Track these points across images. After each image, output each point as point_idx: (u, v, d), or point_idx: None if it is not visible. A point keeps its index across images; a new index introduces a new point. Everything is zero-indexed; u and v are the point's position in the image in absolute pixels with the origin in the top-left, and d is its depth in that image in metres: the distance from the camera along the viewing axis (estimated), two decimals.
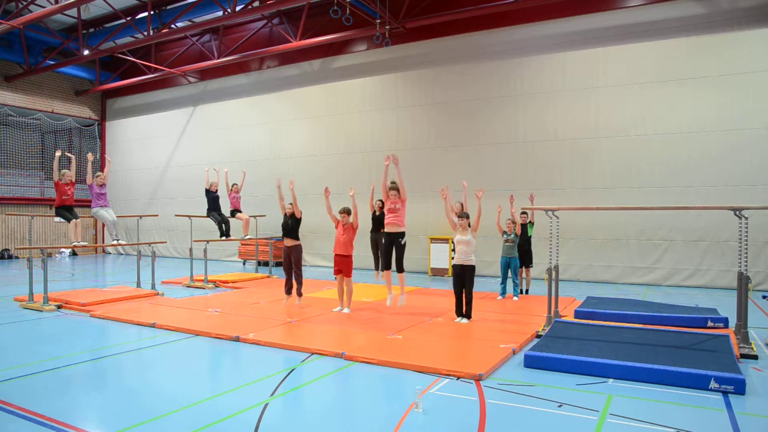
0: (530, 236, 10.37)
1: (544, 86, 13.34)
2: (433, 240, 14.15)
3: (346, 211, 8.56)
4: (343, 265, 8.52)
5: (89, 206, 10.23)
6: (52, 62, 18.96)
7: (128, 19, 16.36)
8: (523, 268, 10.38)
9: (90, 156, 9.91)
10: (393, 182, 8.23)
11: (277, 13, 16.66)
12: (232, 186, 12.51)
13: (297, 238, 9.17)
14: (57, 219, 20.41)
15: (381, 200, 11.03)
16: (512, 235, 9.75)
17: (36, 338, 7.26)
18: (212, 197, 12.14)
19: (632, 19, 12.39)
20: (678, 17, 11.93)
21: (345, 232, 8.55)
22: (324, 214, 16.25)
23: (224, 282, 12.39)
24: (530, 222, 10.39)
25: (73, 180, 9.73)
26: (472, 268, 7.64)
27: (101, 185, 9.88)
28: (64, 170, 9.60)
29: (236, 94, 18.56)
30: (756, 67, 11.19)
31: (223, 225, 12.24)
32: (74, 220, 9.66)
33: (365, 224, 10.49)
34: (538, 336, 6.84)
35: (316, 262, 16.85)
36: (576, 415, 4.32)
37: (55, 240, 20.75)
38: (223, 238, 12.37)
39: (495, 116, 13.93)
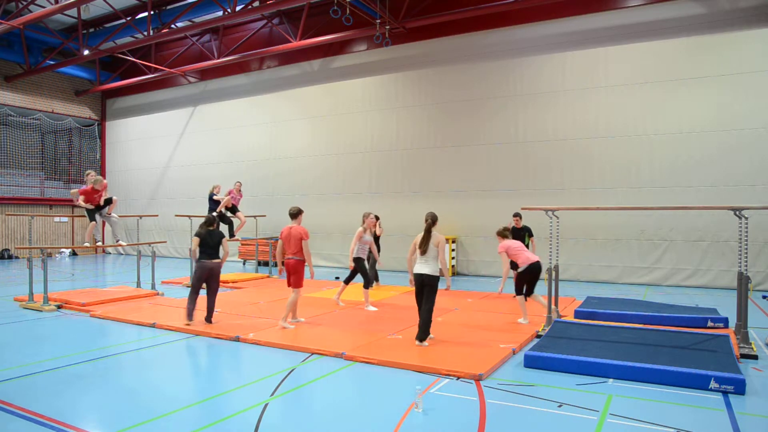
0: (527, 244, 9.93)
1: (544, 86, 13.34)
2: None
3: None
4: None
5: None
6: (52, 62, 18.97)
7: (128, 19, 16.37)
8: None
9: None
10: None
11: (277, 13, 16.66)
12: (236, 183, 12.52)
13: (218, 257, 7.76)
14: (57, 219, 20.59)
15: (376, 216, 10.60)
16: None
17: (36, 338, 7.26)
18: (214, 199, 12.19)
19: (632, 19, 12.39)
20: (678, 17, 11.93)
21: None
22: (323, 215, 16.36)
23: (224, 282, 12.35)
24: (527, 230, 9.94)
25: (103, 188, 10.01)
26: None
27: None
28: (98, 177, 9.90)
29: (236, 94, 18.56)
30: (756, 67, 11.19)
31: (220, 224, 12.26)
32: (92, 222, 9.87)
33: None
34: (538, 336, 6.84)
35: (316, 262, 16.81)
36: (576, 415, 4.32)
37: (55, 240, 20.75)
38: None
39: (495, 116, 13.93)
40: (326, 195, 16.51)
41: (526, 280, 7.61)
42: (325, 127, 16.65)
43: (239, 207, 12.53)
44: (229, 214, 12.24)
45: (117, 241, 10.75)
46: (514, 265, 9.64)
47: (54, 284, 11.89)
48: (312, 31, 15.76)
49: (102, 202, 10.01)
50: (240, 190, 12.51)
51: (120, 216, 10.72)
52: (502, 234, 7.85)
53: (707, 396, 4.74)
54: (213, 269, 7.62)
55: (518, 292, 7.69)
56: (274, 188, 17.68)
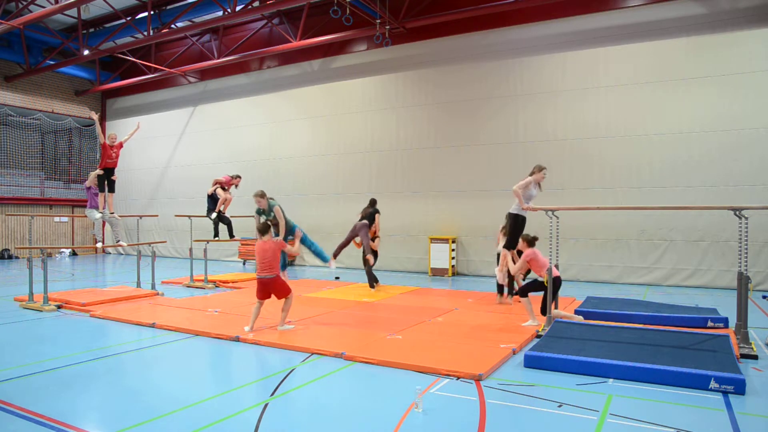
0: None
1: (544, 86, 13.34)
2: (434, 240, 14.14)
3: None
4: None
5: (85, 206, 10.39)
6: (52, 62, 18.96)
7: (128, 19, 16.37)
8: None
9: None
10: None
11: (277, 13, 16.66)
12: (235, 178, 12.50)
13: None
14: (57, 219, 20.59)
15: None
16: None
17: (36, 338, 7.26)
18: (213, 198, 12.18)
19: (632, 19, 12.39)
20: (678, 17, 11.93)
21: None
22: (323, 215, 16.34)
23: (224, 282, 12.38)
24: None
25: (122, 143, 10.25)
26: None
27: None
28: (111, 132, 9.99)
29: (236, 94, 18.56)
30: (756, 67, 11.19)
31: (219, 225, 12.27)
32: (101, 193, 9.80)
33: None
34: (538, 336, 6.83)
35: (316, 261, 16.83)
36: (576, 415, 4.32)
37: (55, 240, 20.75)
38: (217, 238, 12.50)
39: (495, 116, 13.93)
40: (326, 195, 16.52)
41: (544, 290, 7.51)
42: (324, 127, 16.65)
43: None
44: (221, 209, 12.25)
45: (117, 241, 10.74)
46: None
47: (54, 284, 11.89)
48: (312, 31, 15.76)
49: (116, 163, 10.02)
50: (237, 186, 12.46)
51: (120, 216, 10.72)
52: (531, 242, 7.46)
53: (707, 396, 4.74)
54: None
55: (523, 294, 7.63)
56: (274, 188, 17.60)
